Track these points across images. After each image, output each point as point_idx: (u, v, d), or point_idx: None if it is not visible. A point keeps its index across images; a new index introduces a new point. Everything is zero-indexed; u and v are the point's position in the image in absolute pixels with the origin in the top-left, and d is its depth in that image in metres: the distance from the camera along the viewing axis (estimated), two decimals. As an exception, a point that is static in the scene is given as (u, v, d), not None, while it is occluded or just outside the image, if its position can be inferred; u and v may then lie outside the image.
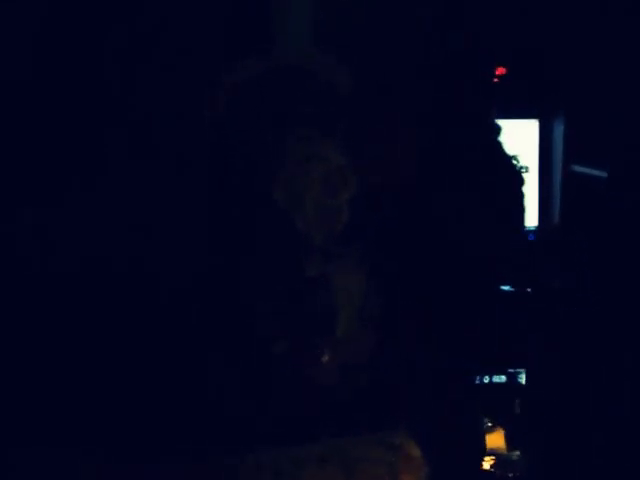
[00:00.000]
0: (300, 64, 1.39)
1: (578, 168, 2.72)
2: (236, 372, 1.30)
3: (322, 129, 1.33)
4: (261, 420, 1.27)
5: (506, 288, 2.34)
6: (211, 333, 1.31)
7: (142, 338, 1.30)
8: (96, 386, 1.29)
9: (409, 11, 1.60)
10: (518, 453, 2.49)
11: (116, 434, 1.27)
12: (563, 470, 2.24)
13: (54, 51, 1.35)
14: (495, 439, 2.48)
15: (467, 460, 1.65)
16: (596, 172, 2.60)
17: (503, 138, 1.70)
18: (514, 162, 1.69)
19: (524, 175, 1.75)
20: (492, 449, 2.45)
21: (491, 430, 2.48)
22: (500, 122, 1.72)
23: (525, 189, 1.70)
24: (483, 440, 1.83)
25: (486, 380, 2.59)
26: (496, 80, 2.35)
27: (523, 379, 2.60)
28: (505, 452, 2.49)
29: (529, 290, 2.52)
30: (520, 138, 2.80)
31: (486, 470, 2.43)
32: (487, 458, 2.43)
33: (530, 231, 2.79)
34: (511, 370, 2.60)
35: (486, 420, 2.42)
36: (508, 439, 2.48)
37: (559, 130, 2.83)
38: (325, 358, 1.30)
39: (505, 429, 2.49)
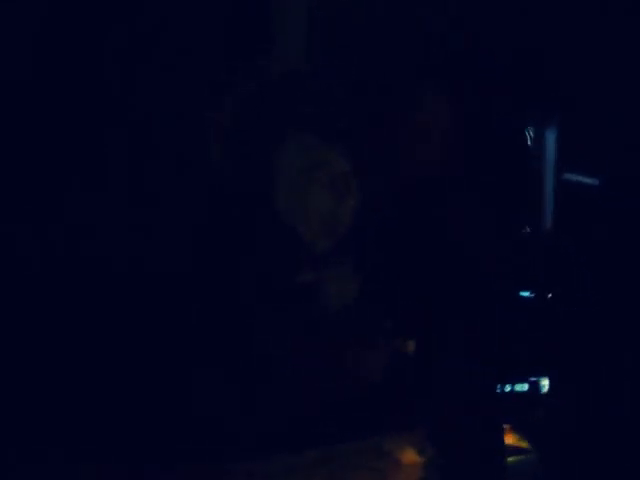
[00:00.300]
0: (300, 65, 1.39)
1: (570, 176, 2.72)
2: (235, 372, 1.30)
3: (323, 133, 1.32)
4: (256, 424, 1.27)
5: (525, 294, 2.34)
6: (211, 333, 1.31)
7: (142, 338, 1.30)
8: (96, 386, 1.29)
9: (409, 11, 1.60)
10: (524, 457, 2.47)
11: (116, 434, 1.27)
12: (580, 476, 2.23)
13: (54, 51, 1.35)
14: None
15: (483, 461, 1.64)
16: (588, 180, 2.61)
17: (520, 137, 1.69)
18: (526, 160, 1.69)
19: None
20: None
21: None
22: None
23: (530, 189, 1.70)
24: (502, 445, 1.80)
25: (508, 389, 2.57)
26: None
27: (545, 387, 2.58)
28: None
29: (549, 295, 2.51)
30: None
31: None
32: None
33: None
34: (533, 379, 2.58)
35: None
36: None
37: (551, 137, 2.83)
38: (321, 362, 1.30)
39: (525, 436, 2.47)
